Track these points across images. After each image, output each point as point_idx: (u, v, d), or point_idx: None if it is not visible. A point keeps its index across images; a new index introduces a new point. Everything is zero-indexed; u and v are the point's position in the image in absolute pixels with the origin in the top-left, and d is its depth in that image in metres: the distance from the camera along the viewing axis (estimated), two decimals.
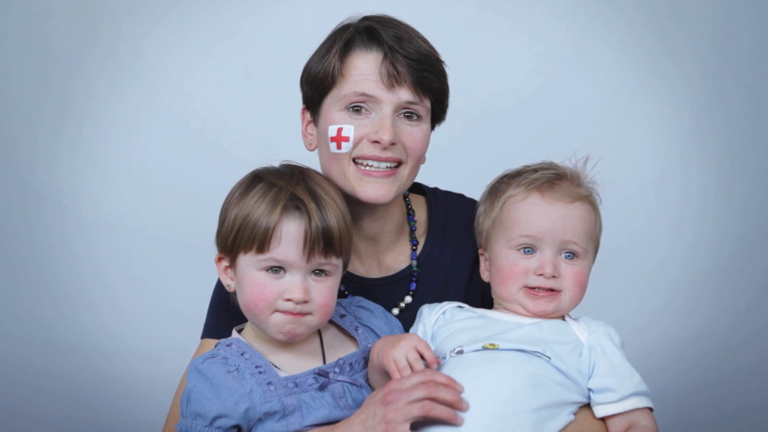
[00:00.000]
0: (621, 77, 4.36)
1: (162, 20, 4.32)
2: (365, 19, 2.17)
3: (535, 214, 1.99)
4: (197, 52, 4.33)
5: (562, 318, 2.01)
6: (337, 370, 1.92)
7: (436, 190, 2.40)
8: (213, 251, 1.97)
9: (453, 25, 4.11)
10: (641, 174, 4.27)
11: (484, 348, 1.89)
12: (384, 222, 2.25)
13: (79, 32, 4.29)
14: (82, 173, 4.30)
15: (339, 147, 2.10)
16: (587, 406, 1.92)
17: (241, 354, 1.89)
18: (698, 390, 3.72)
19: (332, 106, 2.13)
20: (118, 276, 4.21)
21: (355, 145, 2.10)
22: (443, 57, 2.18)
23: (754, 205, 4.28)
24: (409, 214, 2.33)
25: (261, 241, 1.84)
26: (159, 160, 4.29)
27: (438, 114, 2.22)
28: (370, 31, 2.12)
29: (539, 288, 1.97)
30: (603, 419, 1.90)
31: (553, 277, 1.96)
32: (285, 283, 1.85)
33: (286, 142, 2.66)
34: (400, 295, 2.28)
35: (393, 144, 2.09)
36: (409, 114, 2.12)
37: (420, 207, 2.36)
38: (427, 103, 2.15)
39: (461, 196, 2.39)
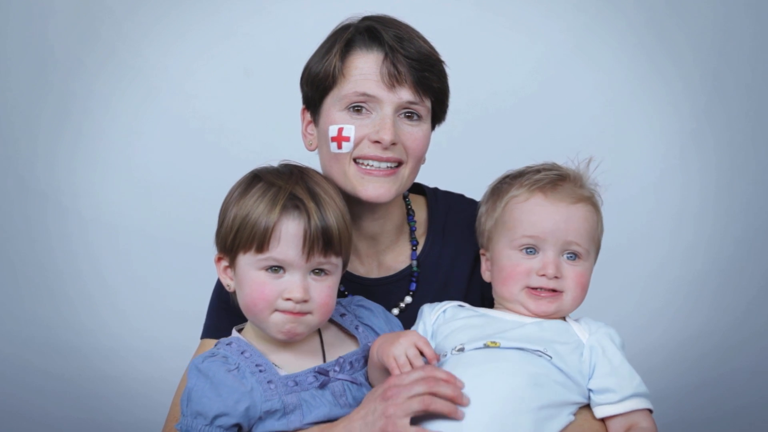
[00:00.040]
0: (621, 77, 4.36)
1: (162, 20, 4.32)
2: (366, 19, 2.17)
3: (538, 215, 1.99)
4: (197, 52, 4.33)
5: (563, 319, 2.01)
6: (337, 368, 1.92)
7: (436, 190, 2.40)
8: (213, 251, 1.97)
9: (453, 25, 4.11)
10: (641, 174, 4.27)
11: (486, 346, 1.89)
12: (384, 222, 2.25)
13: (79, 32, 4.29)
14: (82, 173, 4.30)
15: (340, 147, 2.10)
16: (587, 406, 1.91)
17: (242, 353, 1.89)
18: (698, 390, 3.72)
19: (333, 106, 2.13)
20: (118, 276, 4.21)
21: (356, 145, 2.10)
22: (443, 57, 2.18)
23: (754, 205, 4.28)
24: (409, 214, 2.33)
25: (260, 240, 1.84)
26: (159, 160, 4.29)
27: (438, 114, 2.22)
28: (371, 31, 2.12)
29: (541, 288, 1.97)
30: (603, 420, 1.90)
31: (556, 277, 1.96)
32: (285, 283, 1.85)
33: (286, 142, 2.66)
34: (400, 296, 2.28)
35: (394, 144, 2.09)
36: (409, 114, 2.12)
37: (420, 207, 2.36)
38: (428, 103, 2.15)
39: (461, 196, 2.39)
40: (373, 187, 2.11)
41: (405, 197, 2.34)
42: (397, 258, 2.30)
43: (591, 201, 2.03)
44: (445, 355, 1.92)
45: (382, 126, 2.08)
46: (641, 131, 4.35)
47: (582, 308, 2.03)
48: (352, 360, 1.96)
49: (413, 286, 2.28)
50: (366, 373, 1.97)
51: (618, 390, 1.88)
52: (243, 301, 1.91)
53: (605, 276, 2.28)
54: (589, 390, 1.91)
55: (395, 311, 2.25)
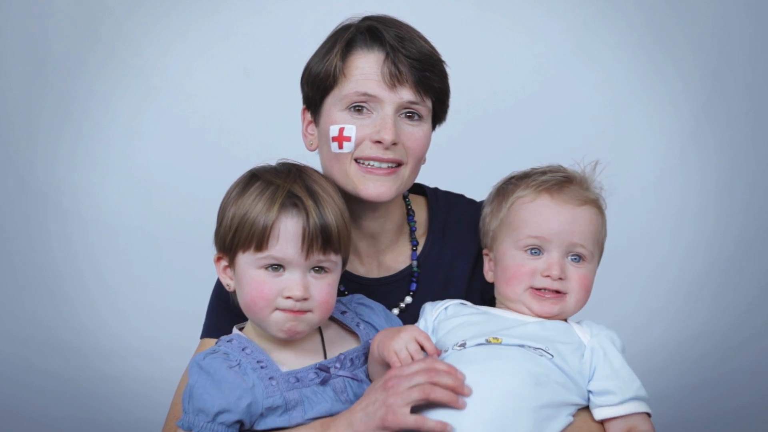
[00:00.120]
0: (621, 77, 4.36)
1: (162, 20, 4.32)
2: (366, 19, 2.17)
3: (544, 216, 1.99)
4: (197, 52, 4.33)
5: (565, 320, 2.01)
6: (338, 365, 1.92)
7: (436, 190, 2.40)
8: (213, 251, 1.97)
9: (453, 25, 4.11)
10: (641, 174, 4.27)
11: (488, 342, 1.89)
12: (384, 221, 2.25)
13: (79, 32, 4.29)
14: (82, 173, 4.30)
15: (341, 147, 2.10)
16: (586, 408, 1.91)
17: (243, 349, 1.89)
18: (698, 390, 3.72)
19: (333, 105, 2.13)
20: (118, 276, 4.21)
21: (357, 145, 2.10)
22: (443, 57, 2.18)
23: (754, 205, 4.28)
24: (409, 214, 2.33)
25: (259, 239, 1.84)
26: (159, 160, 4.29)
27: (439, 114, 2.22)
28: (372, 31, 2.12)
29: (545, 289, 1.97)
30: (602, 422, 1.90)
31: (560, 279, 1.96)
32: (284, 281, 1.85)
33: (286, 142, 2.64)
34: (400, 296, 2.28)
35: (395, 144, 2.09)
36: (410, 114, 2.12)
37: (420, 207, 2.36)
38: (429, 103, 2.15)
39: (461, 196, 2.39)
40: (374, 186, 2.11)
41: (405, 197, 2.34)
42: (397, 258, 2.30)
43: (596, 204, 2.04)
44: (446, 351, 1.92)
45: (383, 126, 2.08)
46: (641, 131, 4.35)
47: (582, 308, 2.03)
48: (353, 357, 1.96)
49: (413, 286, 2.28)
50: (367, 369, 1.97)
51: (618, 392, 1.88)
52: (243, 301, 1.91)
53: (605, 276, 2.27)
54: (589, 392, 1.91)
55: (395, 311, 2.24)
